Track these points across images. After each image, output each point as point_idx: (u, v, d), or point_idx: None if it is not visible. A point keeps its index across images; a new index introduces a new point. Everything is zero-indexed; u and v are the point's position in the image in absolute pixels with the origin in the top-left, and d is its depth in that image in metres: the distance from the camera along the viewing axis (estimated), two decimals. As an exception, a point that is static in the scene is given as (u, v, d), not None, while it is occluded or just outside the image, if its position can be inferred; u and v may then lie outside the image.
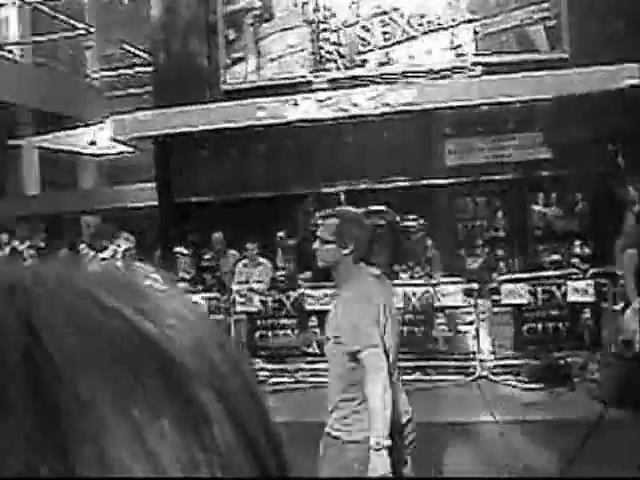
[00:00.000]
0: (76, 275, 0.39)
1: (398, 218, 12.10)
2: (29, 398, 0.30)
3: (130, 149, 14.88)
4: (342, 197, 11.94)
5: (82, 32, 17.02)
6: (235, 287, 10.00)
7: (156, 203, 13.69)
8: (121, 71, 16.61)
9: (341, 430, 3.47)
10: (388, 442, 3.21)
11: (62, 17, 16.87)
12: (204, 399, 0.34)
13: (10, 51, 15.69)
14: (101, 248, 9.03)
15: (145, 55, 16.07)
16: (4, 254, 13.81)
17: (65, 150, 15.55)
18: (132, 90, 16.03)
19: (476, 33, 12.47)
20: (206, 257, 11.27)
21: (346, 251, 3.54)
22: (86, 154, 16.25)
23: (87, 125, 14.56)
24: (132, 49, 16.99)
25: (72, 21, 17.06)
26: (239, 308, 9.65)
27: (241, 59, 13.45)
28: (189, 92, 12.89)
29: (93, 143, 14.83)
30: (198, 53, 13.86)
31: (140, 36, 16.10)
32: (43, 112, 14.40)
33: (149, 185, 14.04)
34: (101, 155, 16.04)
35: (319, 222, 3.80)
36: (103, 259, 8.70)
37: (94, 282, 0.37)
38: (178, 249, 11.44)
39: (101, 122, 14.12)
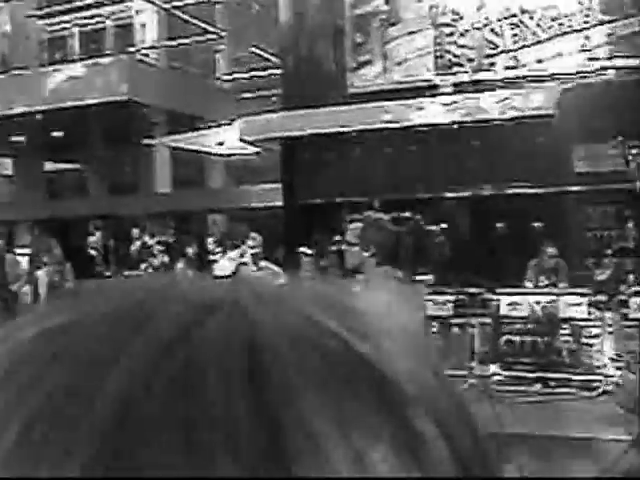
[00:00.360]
0: (291, 293, 0.40)
1: (422, 223, 11.98)
2: (253, 417, 0.30)
3: (257, 150, 15.22)
4: (375, 203, 11.79)
5: (213, 36, 17.55)
6: (356, 289, 10.05)
7: (281, 203, 13.97)
8: (250, 74, 17.02)
9: None
10: None
11: (195, 22, 17.46)
12: (421, 425, 0.33)
13: (147, 55, 16.37)
14: (231, 247, 9.31)
15: (274, 58, 16.41)
16: (135, 249, 14.42)
17: (195, 150, 16.07)
18: (260, 92, 16.41)
19: (609, 35, 12.10)
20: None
21: (368, 254, 3.72)
22: (215, 154, 16.73)
23: (217, 126, 15.00)
24: (261, 52, 17.39)
25: (204, 25, 17.63)
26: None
27: (367, 62, 13.56)
28: (316, 95, 13.08)
29: (222, 143, 15.25)
30: (325, 56, 14.04)
31: (269, 39, 16.45)
32: (176, 113, 14.95)
33: (274, 186, 14.33)
34: (229, 155, 16.48)
35: (347, 226, 3.91)
36: (232, 258, 8.97)
37: (309, 300, 0.37)
38: (302, 249, 11.63)
39: (230, 123, 14.51)
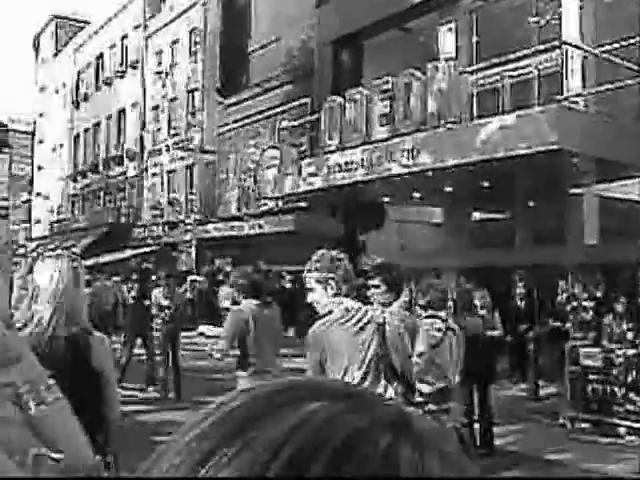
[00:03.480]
0: None
1: None
2: None
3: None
4: None
5: (646, 78, 16.66)
6: None
7: None
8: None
9: None
10: None
11: (627, 64, 16.73)
12: None
13: (575, 102, 16.08)
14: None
15: None
16: (561, 301, 14.14)
17: (624, 199, 15.30)
18: None
19: None
20: None
21: None
22: (647, 203, 15.80)
23: (645, 174, 14.19)
24: None
25: (636, 67, 16.79)
26: None
27: None
28: None
29: (656, 192, 14.38)
30: None
31: None
32: (605, 160, 14.41)
33: None
34: (664, 205, 15.47)
35: None
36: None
37: None
38: None
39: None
